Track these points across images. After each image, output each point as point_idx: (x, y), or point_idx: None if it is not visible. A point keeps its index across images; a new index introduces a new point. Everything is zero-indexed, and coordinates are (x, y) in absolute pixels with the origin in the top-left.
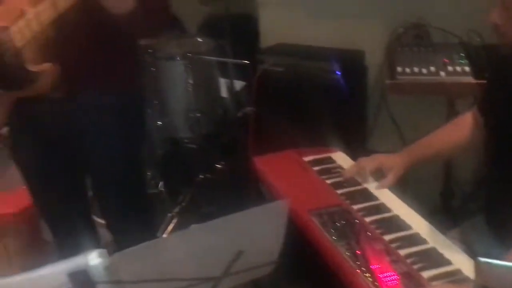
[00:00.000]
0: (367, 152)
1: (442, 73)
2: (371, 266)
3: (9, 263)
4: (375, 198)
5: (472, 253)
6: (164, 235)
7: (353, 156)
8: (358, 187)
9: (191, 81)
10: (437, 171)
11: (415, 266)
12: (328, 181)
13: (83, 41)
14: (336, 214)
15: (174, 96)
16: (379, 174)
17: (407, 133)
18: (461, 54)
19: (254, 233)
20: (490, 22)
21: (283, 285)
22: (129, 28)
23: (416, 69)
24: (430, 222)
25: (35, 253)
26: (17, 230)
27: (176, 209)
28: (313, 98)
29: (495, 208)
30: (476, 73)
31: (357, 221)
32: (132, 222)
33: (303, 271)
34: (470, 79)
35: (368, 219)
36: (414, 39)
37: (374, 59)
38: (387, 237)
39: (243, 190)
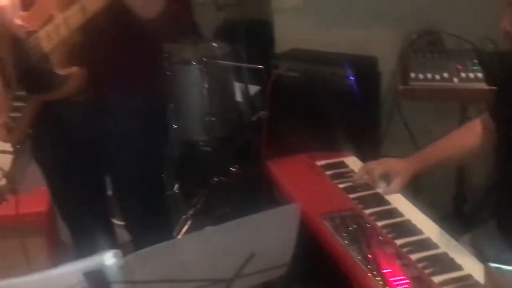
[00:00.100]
0: (380, 157)
1: (455, 79)
2: (382, 270)
3: (27, 262)
4: (387, 203)
5: (483, 259)
6: (178, 237)
7: (367, 161)
8: (371, 192)
9: (206, 85)
10: (450, 176)
11: (426, 271)
12: (341, 186)
13: (110, 45)
14: (348, 218)
15: (189, 99)
16: (388, 178)
17: (420, 138)
18: (474, 60)
19: (266, 235)
20: (501, 28)
21: None
22: (155, 33)
23: (429, 75)
24: (442, 227)
25: (52, 253)
26: (36, 230)
27: (191, 211)
28: (327, 103)
29: (506, 214)
30: (489, 79)
31: (369, 225)
32: (151, 223)
33: (315, 274)
34: (483, 85)
35: (380, 224)
36: (427, 45)
37: (387, 65)
38: (399, 242)
39: (257, 193)
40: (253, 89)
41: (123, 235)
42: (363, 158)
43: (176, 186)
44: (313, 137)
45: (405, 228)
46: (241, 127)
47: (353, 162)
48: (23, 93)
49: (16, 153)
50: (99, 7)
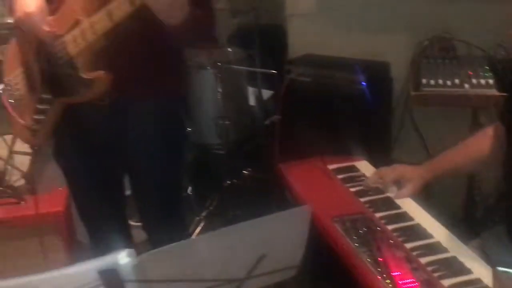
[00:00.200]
0: (391, 162)
1: (467, 86)
2: (392, 273)
3: (45, 260)
4: (398, 207)
5: (492, 263)
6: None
7: (378, 165)
8: (381, 196)
9: (220, 90)
10: (460, 182)
11: (436, 274)
12: (352, 189)
13: (135, 50)
14: (358, 221)
15: (203, 103)
16: (399, 184)
17: (431, 143)
18: (486, 67)
19: (277, 237)
20: (510, 35)
21: None
22: (179, 38)
23: (440, 81)
24: (452, 232)
25: (69, 252)
26: (53, 230)
27: (204, 213)
28: (339, 108)
29: None
30: (500, 85)
31: (379, 228)
32: (167, 223)
33: (325, 276)
34: (494, 92)
35: (390, 227)
36: (439, 52)
37: (399, 70)
38: (409, 245)
39: (269, 196)
40: (266, 93)
41: (139, 235)
42: (375, 162)
43: (190, 188)
44: (325, 141)
45: (415, 232)
46: (254, 131)
47: (364, 166)
48: (48, 96)
49: (34, 154)
50: (125, 13)
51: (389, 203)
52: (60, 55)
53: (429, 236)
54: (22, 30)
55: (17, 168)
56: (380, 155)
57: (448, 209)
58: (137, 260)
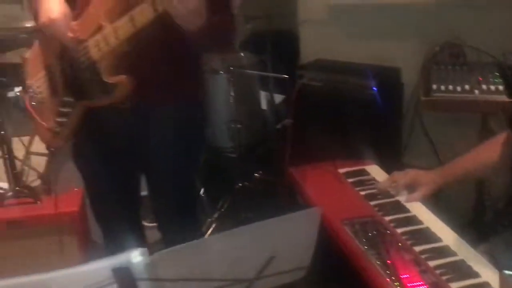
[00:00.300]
0: (402, 166)
1: (476, 91)
2: (400, 276)
3: (60, 259)
4: (407, 211)
5: (501, 267)
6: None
7: (388, 169)
8: (391, 199)
9: (233, 94)
10: (470, 187)
11: (444, 277)
12: (362, 193)
13: (156, 55)
14: (368, 224)
15: (216, 107)
16: (411, 189)
17: (441, 148)
18: (495, 73)
19: (287, 238)
20: None
21: None
22: (198, 44)
23: (451, 87)
24: (461, 236)
25: (83, 252)
26: (68, 230)
27: (215, 215)
28: (350, 112)
29: None
30: (509, 91)
31: (389, 231)
32: (182, 223)
33: (334, 278)
34: (504, 98)
35: (399, 230)
36: (449, 58)
37: (410, 76)
38: (417, 248)
39: (280, 198)
40: (278, 98)
41: (152, 236)
42: (385, 166)
43: (202, 190)
44: (336, 145)
45: (424, 235)
46: (266, 134)
47: (374, 170)
48: (70, 99)
49: (50, 155)
50: (148, 19)
51: (399, 207)
52: (83, 59)
53: (438, 239)
54: (45, 34)
55: (33, 169)
56: (391, 159)
57: (457, 213)
58: (150, 259)
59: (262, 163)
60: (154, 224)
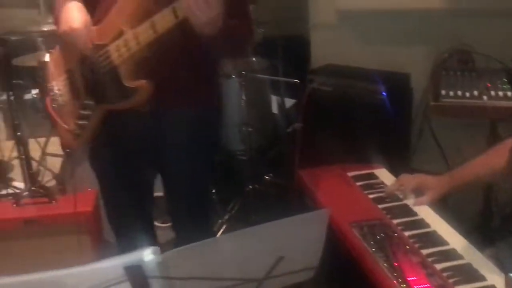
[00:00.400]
0: (410, 171)
1: (485, 97)
2: (407, 278)
3: (73, 258)
4: (415, 214)
5: (507, 271)
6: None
7: (396, 173)
8: (399, 203)
9: (244, 98)
10: (477, 192)
11: (450, 280)
12: (370, 196)
13: (176, 61)
14: (376, 227)
15: (228, 110)
16: (419, 193)
17: (450, 153)
18: (504, 79)
19: (296, 239)
20: None
21: None
22: (216, 49)
23: (459, 93)
24: (468, 240)
25: (96, 251)
26: (83, 229)
27: (226, 216)
28: (359, 117)
29: None
30: None
31: (396, 234)
32: (196, 223)
33: (342, 279)
34: None
35: (407, 233)
36: (458, 64)
37: (419, 81)
38: (425, 251)
39: (289, 201)
40: (289, 102)
41: (163, 236)
42: (394, 171)
43: (213, 192)
44: (345, 149)
45: (431, 239)
46: (276, 137)
47: (383, 174)
48: (90, 102)
49: (65, 156)
50: (169, 25)
51: (407, 210)
52: (104, 64)
53: (445, 243)
54: (66, 41)
55: (49, 169)
56: (399, 164)
57: (465, 218)
58: (162, 257)
59: (273, 166)
60: (166, 224)
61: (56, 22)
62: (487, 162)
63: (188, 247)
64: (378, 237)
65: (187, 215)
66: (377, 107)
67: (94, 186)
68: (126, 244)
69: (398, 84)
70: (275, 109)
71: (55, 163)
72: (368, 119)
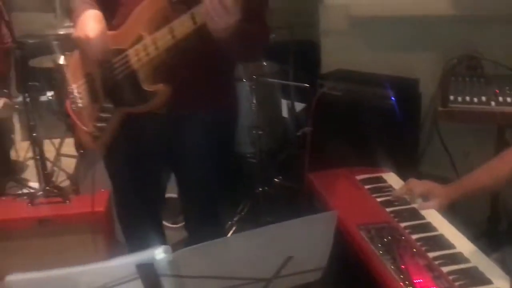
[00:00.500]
0: (418, 175)
1: (493, 103)
2: (414, 281)
3: (89, 256)
4: (422, 218)
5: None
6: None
7: (405, 178)
8: (407, 206)
9: (255, 101)
10: (485, 197)
11: (457, 283)
12: (378, 199)
13: (193, 65)
14: (383, 230)
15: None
16: (426, 199)
17: (457, 158)
18: None
19: (304, 240)
20: None
21: None
22: (232, 53)
23: (468, 98)
24: (474, 244)
25: (108, 251)
26: (96, 228)
27: (236, 218)
28: (368, 121)
29: None
30: None
31: (404, 237)
32: (208, 223)
33: (349, 281)
34: None
35: (414, 237)
36: (467, 70)
37: (428, 87)
38: (431, 254)
39: (298, 203)
40: (299, 106)
41: (173, 236)
42: (402, 175)
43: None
44: (354, 153)
45: (438, 242)
46: (286, 141)
47: (391, 178)
48: (109, 105)
49: (79, 157)
50: (187, 31)
51: (414, 214)
52: (123, 68)
53: (452, 246)
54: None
55: (63, 170)
56: (407, 168)
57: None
58: (173, 256)
59: (282, 169)
60: (176, 225)
61: (75, 25)
62: (492, 171)
63: (199, 246)
64: (385, 239)
65: (201, 216)
66: (386, 112)
67: (107, 187)
68: (135, 244)
69: (407, 90)
70: (285, 113)
71: (69, 164)
72: (377, 124)
